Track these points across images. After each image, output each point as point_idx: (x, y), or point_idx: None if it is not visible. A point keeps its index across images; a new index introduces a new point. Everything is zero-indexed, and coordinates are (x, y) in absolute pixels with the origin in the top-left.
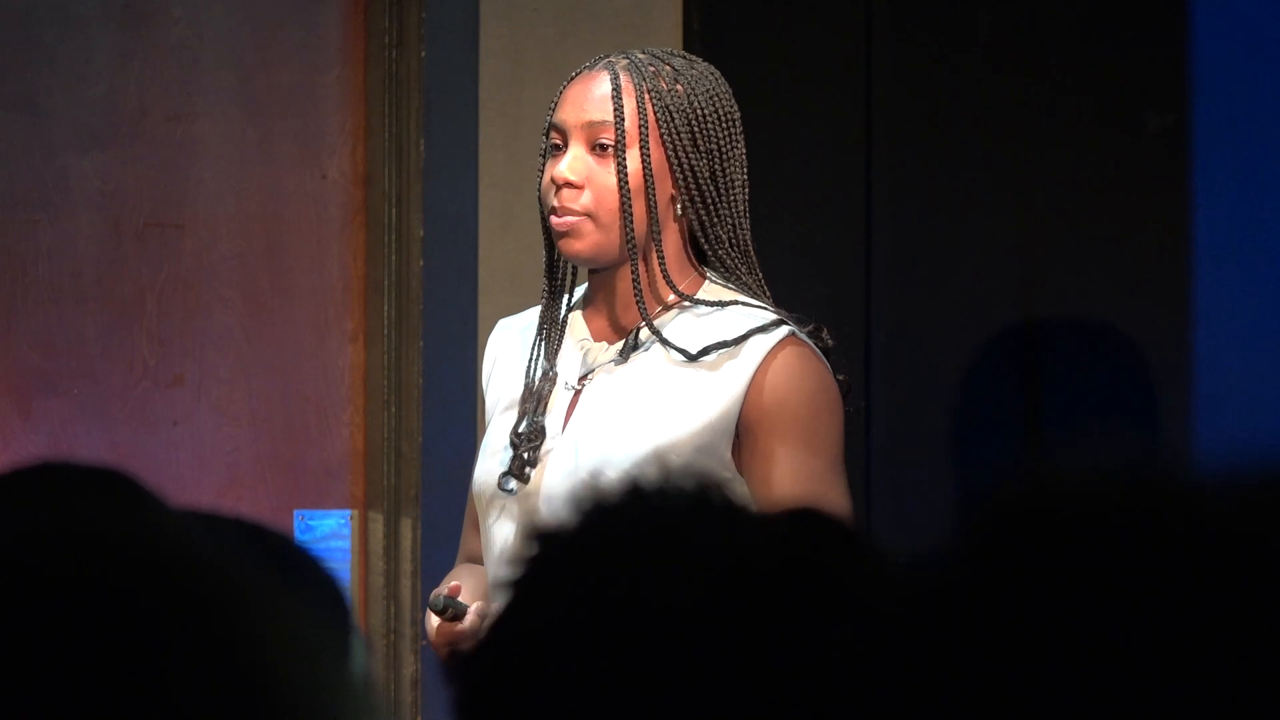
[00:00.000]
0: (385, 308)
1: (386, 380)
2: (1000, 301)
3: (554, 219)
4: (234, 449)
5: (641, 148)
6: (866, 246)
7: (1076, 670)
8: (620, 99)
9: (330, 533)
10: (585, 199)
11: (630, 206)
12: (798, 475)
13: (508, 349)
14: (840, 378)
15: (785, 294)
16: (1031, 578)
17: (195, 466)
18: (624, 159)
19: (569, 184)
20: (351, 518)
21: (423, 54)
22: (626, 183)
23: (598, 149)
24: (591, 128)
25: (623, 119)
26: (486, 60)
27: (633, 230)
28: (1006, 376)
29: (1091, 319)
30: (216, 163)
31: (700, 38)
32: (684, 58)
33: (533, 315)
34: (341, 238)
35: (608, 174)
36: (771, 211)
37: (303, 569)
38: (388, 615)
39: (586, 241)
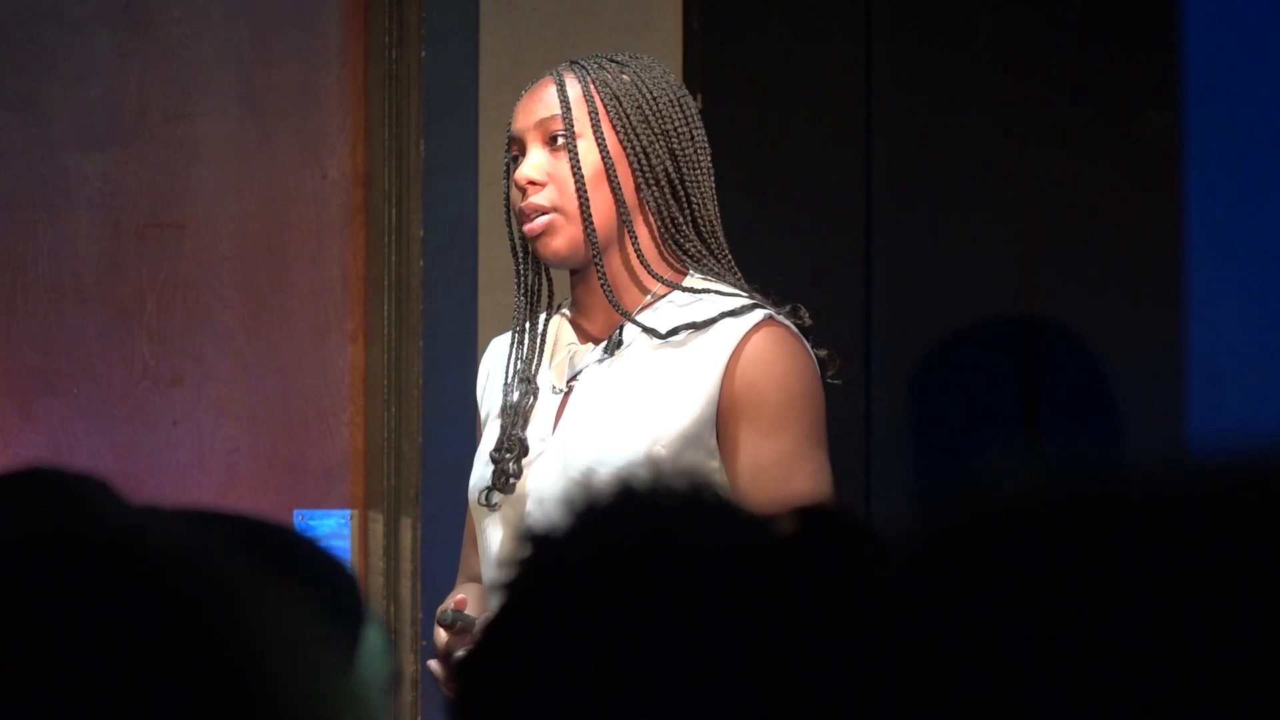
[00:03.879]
0: (385, 308)
1: (386, 380)
2: (1000, 301)
3: (526, 225)
4: (234, 449)
5: (595, 133)
6: (866, 246)
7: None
8: (565, 92)
9: (330, 533)
10: (550, 194)
11: (587, 195)
12: (762, 459)
13: (499, 364)
14: (822, 353)
15: (786, 294)
16: (984, 590)
17: (195, 466)
18: (575, 148)
19: (532, 182)
20: (351, 518)
21: (423, 54)
22: (581, 171)
23: (552, 144)
24: (542, 125)
25: (569, 109)
26: (486, 60)
27: (591, 219)
28: (1006, 375)
29: (1090, 318)
30: (216, 163)
31: (700, 38)
32: (630, 55)
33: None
34: (341, 237)
35: (566, 165)
36: (771, 212)
37: (310, 563)
38: (388, 615)
39: (562, 238)
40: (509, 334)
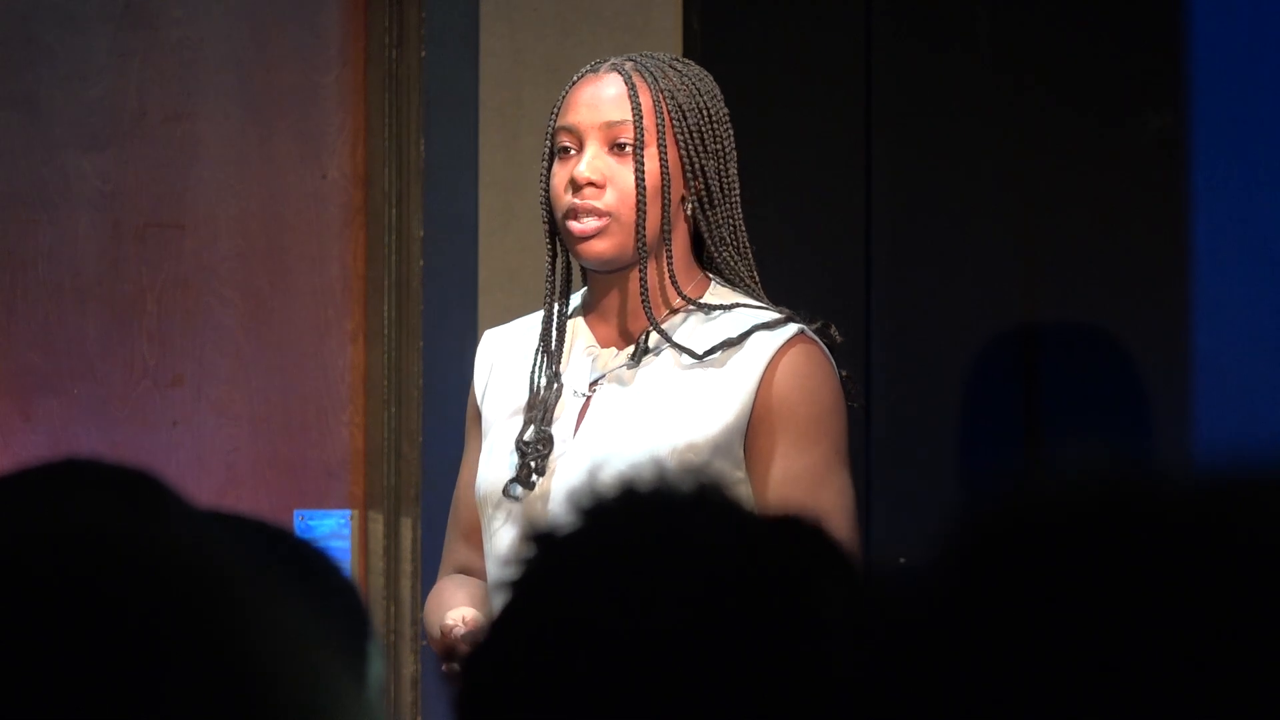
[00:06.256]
0: (385, 308)
1: (386, 380)
2: (1000, 301)
3: (574, 224)
4: (234, 449)
5: (659, 146)
6: (866, 246)
7: (1066, 681)
8: (637, 98)
9: (330, 533)
10: (609, 198)
11: (646, 206)
12: (790, 474)
13: (504, 357)
14: (844, 374)
15: (785, 293)
16: (1017, 591)
17: (195, 466)
18: (642, 158)
19: (591, 183)
20: (351, 518)
21: (423, 54)
22: (644, 181)
23: (616, 149)
24: (610, 128)
25: (641, 117)
26: (486, 60)
27: (645, 231)
28: (1006, 376)
29: (1090, 319)
30: (216, 163)
31: (700, 38)
32: (680, 60)
33: (524, 324)
34: (341, 238)
35: (629, 173)
36: (771, 211)
37: (320, 574)
38: (388, 615)
39: (610, 243)
40: (503, 327)
